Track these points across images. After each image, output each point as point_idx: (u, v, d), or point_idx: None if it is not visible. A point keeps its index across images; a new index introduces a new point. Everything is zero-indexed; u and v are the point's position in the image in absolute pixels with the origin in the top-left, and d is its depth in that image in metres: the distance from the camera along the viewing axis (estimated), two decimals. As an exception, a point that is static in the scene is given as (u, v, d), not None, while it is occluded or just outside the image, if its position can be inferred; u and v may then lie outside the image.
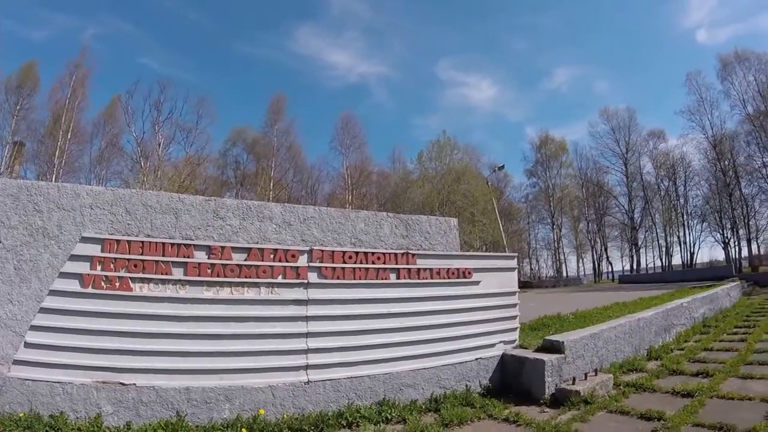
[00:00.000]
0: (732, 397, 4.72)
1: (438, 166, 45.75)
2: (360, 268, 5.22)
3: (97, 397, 4.04)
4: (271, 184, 42.73)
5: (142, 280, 4.35)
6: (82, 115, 38.59)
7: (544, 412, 4.80)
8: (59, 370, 4.00)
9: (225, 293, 4.60)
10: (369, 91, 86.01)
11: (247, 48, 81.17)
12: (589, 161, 57.21)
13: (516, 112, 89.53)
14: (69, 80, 37.02)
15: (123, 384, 4.12)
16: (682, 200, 51.94)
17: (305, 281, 4.92)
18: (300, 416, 4.48)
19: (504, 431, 4.36)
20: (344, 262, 5.16)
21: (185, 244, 4.55)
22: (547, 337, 5.98)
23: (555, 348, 5.62)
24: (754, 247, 44.99)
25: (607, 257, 56.83)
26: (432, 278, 5.61)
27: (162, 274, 4.41)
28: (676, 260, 52.72)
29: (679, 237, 52.61)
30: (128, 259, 4.33)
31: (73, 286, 4.17)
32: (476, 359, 5.66)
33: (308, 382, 4.71)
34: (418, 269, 5.56)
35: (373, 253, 5.35)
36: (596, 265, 57.12)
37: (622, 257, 56.69)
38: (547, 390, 5.17)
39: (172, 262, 4.46)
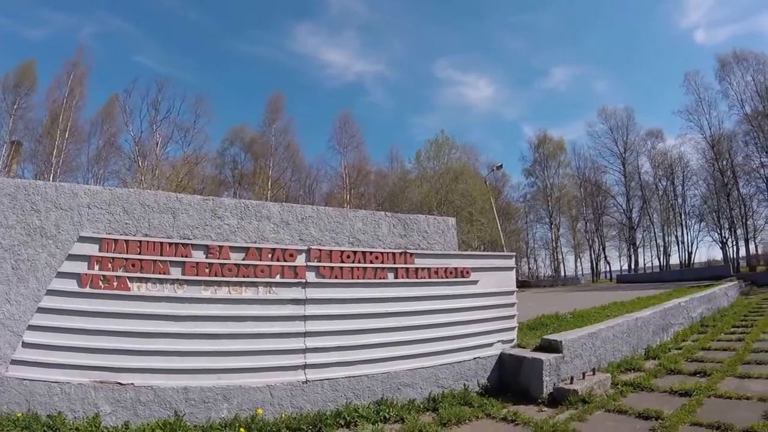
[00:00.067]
0: (730, 397, 4.74)
1: (436, 166, 45.77)
2: (358, 268, 5.22)
3: (95, 396, 4.03)
4: (269, 184, 42.67)
5: (140, 280, 4.35)
6: (80, 115, 38.54)
7: (542, 411, 4.81)
8: (57, 370, 4.00)
9: (223, 293, 4.60)
10: (366, 90, 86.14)
11: (244, 47, 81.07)
12: (587, 161, 57.37)
13: (514, 111, 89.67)
14: (66, 79, 36.89)
15: (121, 384, 4.12)
16: (680, 200, 52.06)
17: (303, 280, 4.92)
18: (298, 416, 4.48)
19: (502, 430, 4.37)
20: (342, 262, 5.16)
21: (183, 244, 4.54)
22: (545, 337, 5.99)
23: (553, 347, 5.63)
24: (751, 246, 45.18)
25: (605, 257, 56.99)
26: (430, 277, 5.62)
27: (160, 273, 4.40)
28: (674, 260, 52.92)
29: (677, 237, 52.76)
30: (126, 259, 4.33)
31: (71, 285, 4.16)
32: (474, 358, 5.66)
33: (306, 381, 4.71)
34: (416, 268, 5.56)
35: (371, 253, 5.35)
36: (594, 265, 57.24)
37: (620, 257, 56.81)
38: (545, 389, 5.17)
39: (170, 261, 4.45)
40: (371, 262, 5.31)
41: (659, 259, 54.11)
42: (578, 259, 58.41)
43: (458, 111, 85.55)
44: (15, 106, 35.02)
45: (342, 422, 4.44)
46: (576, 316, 9.92)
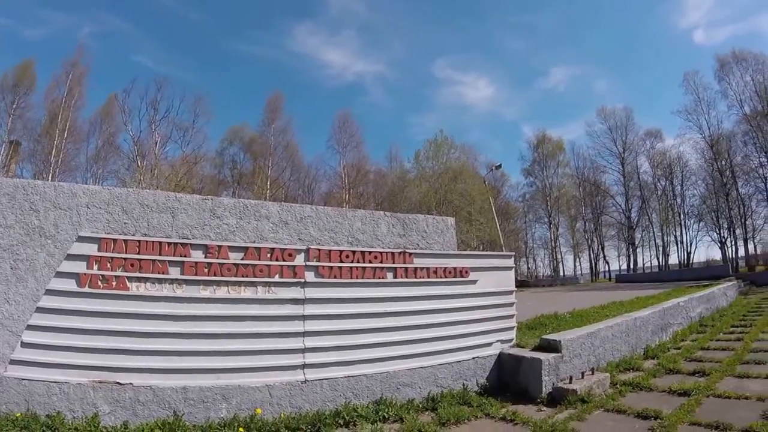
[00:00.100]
0: (729, 396, 4.74)
1: (435, 165, 45.71)
2: (357, 267, 5.22)
3: (94, 396, 4.03)
4: (268, 183, 42.62)
5: (139, 280, 4.34)
6: (79, 114, 38.46)
7: (541, 410, 4.81)
8: (56, 370, 3.99)
9: (222, 292, 4.60)
10: (365, 90, 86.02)
11: (244, 47, 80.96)
12: (587, 161, 57.35)
13: (513, 111, 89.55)
14: (65, 79, 36.84)
15: (120, 383, 4.11)
16: (679, 200, 52.05)
17: (302, 280, 4.92)
18: (297, 415, 4.48)
19: (501, 430, 4.37)
20: (341, 261, 5.16)
21: (182, 243, 4.54)
22: (544, 336, 5.99)
23: (552, 347, 5.63)
24: (750, 246, 45.18)
25: (604, 256, 57.01)
26: (429, 277, 5.62)
27: (159, 273, 4.40)
28: (673, 260, 52.93)
29: (675, 236, 52.76)
30: (125, 259, 4.32)
31: (70, 285, 4.16)
32: (473, 358, 5.67)
33: (305, 381, 4.71)
34: (415, 268, 5.56)
35: (370, 252, 5.35)
36: (593, 265, 57.24)
37: (619, 256, 56.84)
38: (544, 389, 5.18)
39: (168, 261, 4.45)
40: (370, 262, 5.31)
41: (658, 258, 54.24)
42: (577, 259, 58.58)
43: (457, 111, 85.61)
44: (14, 106, 34.97)
45: (341, 422, 4.44)
46: (575, 316, 9.93)
